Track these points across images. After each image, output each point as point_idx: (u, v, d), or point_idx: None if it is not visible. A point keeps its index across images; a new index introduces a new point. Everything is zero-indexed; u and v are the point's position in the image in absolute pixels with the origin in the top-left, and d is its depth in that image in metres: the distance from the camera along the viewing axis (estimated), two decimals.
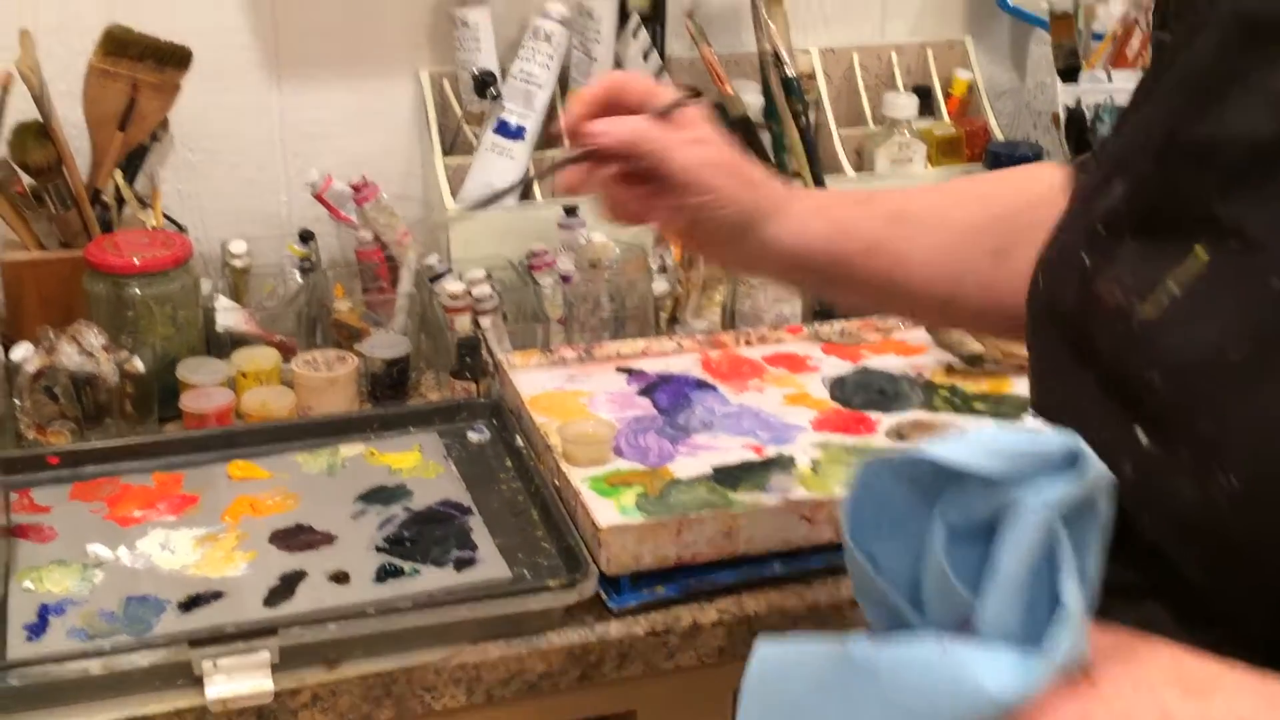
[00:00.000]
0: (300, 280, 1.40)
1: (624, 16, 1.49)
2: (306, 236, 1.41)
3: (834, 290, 0.93)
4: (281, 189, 1.48)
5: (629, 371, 1.28)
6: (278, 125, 1.46)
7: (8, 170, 1.29)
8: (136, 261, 1.24)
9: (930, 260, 0.86)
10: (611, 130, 0.82)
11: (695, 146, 0.83)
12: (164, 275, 1.25)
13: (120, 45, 1.28)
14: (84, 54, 1.29)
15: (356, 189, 1.40)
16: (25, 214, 1.32)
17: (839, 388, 1.25)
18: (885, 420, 1.20)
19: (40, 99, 1.27)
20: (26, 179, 1.31)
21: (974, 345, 1.28)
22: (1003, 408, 1.23)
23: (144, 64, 1.30)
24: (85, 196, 1.32)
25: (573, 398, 1.23)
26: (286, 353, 1.31)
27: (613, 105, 0.85)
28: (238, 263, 1.39)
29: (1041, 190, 0.85)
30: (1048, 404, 0.69)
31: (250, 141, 1.47)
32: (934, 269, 0.86)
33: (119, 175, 1.34)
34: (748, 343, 1.33)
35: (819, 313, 1.42)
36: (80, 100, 1.31)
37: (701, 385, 1.25)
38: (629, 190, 0.85)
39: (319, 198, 1.41)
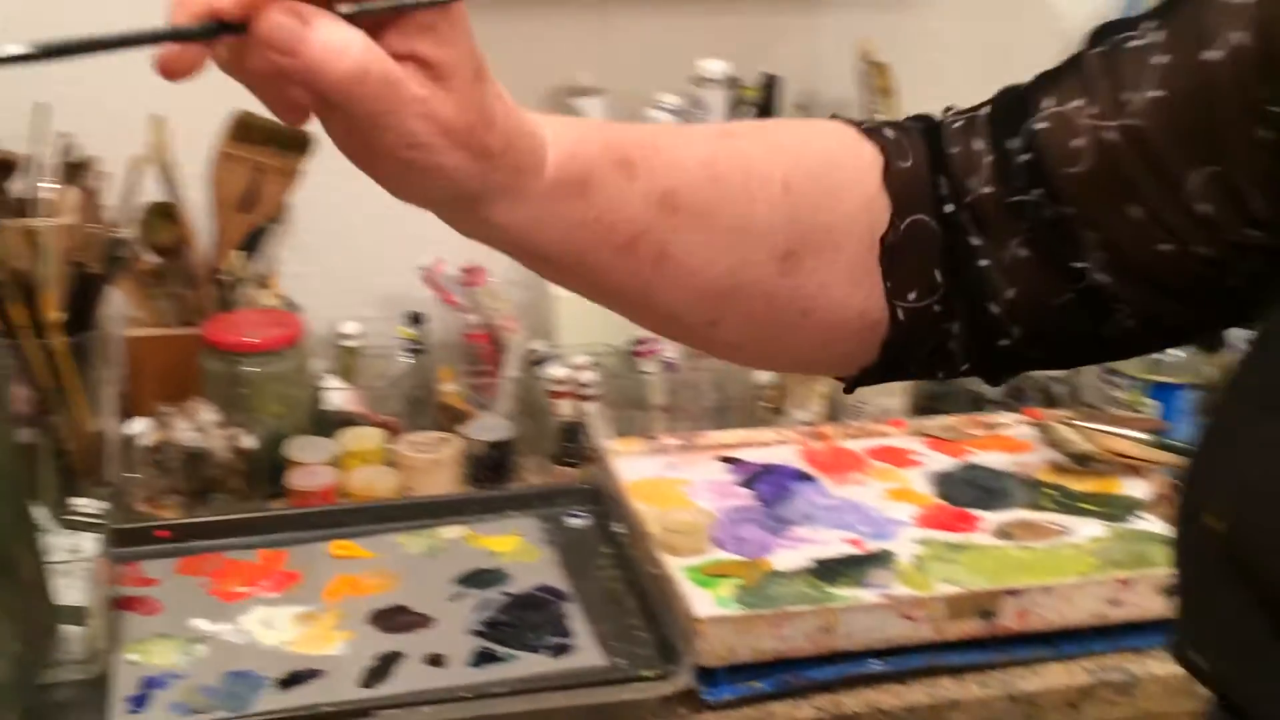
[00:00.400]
0: (408, 362, 1.42)
1: (735, 106, 1.51)
2: (416, 319, 1.43)
3: (573, 287, 0.65)
4: (394, 271, 1.51)
5: (730, 461, 1.27)
6: (392, 208, 1.48)
7: (135, 249, 1.33)
8: (251, 340, 1.27)
9: (701, 264, 0.63)
10: (326, 53, 0.48)
11: (433, 104, 0.52)
12: (277, 354, 1.28)
13: (246, 131, 1.33)
14: (212, 139, 1.34)
15: (466, 273, 1.42)
16: (149, 291, 1.36)
17: (943, 483, 1.24)
18: (990, 518, 1.18)
19: (169, 182, 1.32)
20: (152, 257, 1.35)
21: (1082, 444, 1.25)
22: (1110, 508, 1.20)
23: (268, 149, 1.34)
24: (206, 276, 1.36)
25: (673, 486, 1.23)
26: (392, 433, 1.33)
27: None
28: (349, 343, 1.42)
29: (841, 168, 0.66)
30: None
31: (365, 225, 1.50)
32: (704, 275, 0.63)
33: (239, 255, 1.38)
34: (850, 435, 1.32)
35: (923, 407, 1.41)
36: (206, 183, 1.35)
37: (802, 477, 1.24)
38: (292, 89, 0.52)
39: (430, 281, 1.44)
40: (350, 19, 0.49)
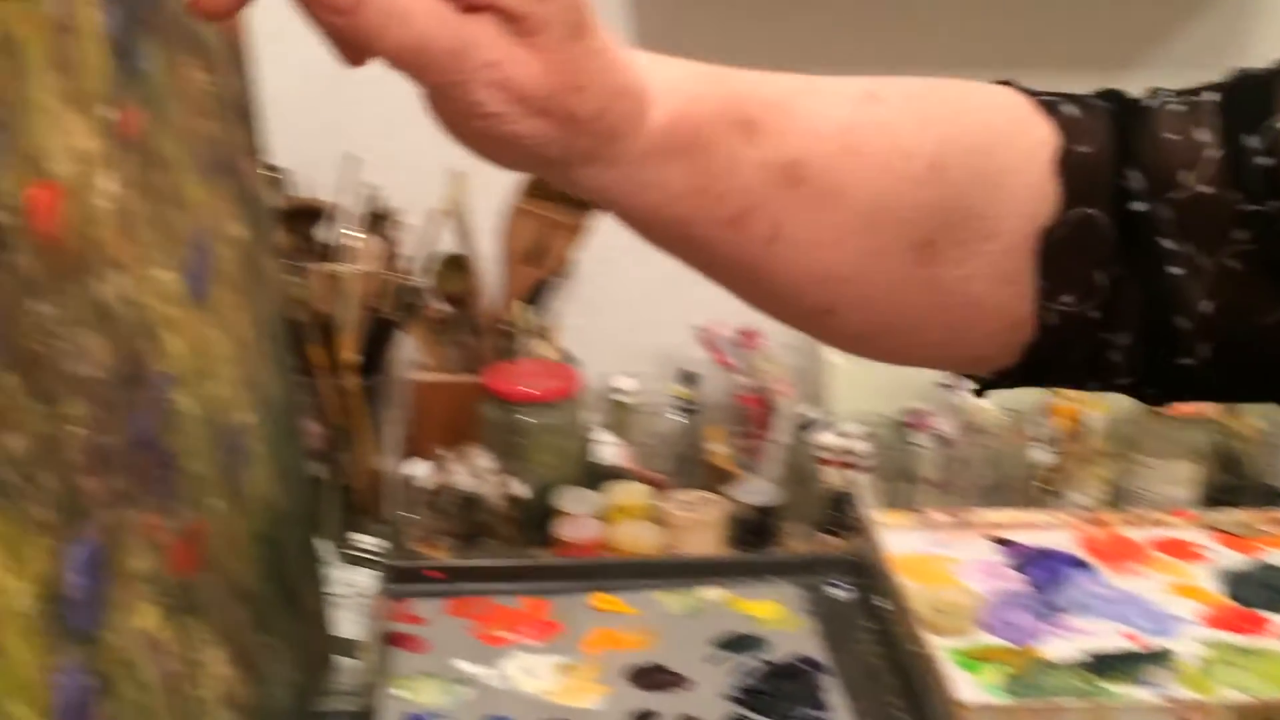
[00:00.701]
0: (679, 420, 1.44)
1: None
2: (689, 378, 1.45)
3: (674, 255, 0.57)
4: (670, 330, 1.53)
5: (1002, 542, 1.23)
6: (673, 269, 1.51)
7: (427, 297, 1.39)
8: (529, 391, 1.30)
9: (822, 246, 0.55)
10: (384, 19, 0.43)
11: (508, 69, 0.46)
12: (553, 406, 1.31)
13: (539, 187, 1.37)
14: (506, 194, 1.39)
15: (742, 335, 1.43)
16: (436, 338, 1.41)
17: (1233, 582, 1.17)
18: None
19: (463, 234, 1.38)
20: (442, 306, 1.41)
21: None
22: None
23: (558, 206, 1.38)
24: (491, 326, 1.41)
25: (941, 563, 1.19)
26: (659, 490, 1.34)
27: None
28: (622, 398, 1.44)
29: (1005, 147, 0.57)
30: None
31: (646, 283, 1.52)
32: (824, 259, 0.55)
33: (523, 307, 1.42)
34: (1132, 523, 1.26)
35: (1213, 499, 1.33)
36: (497, 236, 1.40)
37: (1078, 564, 1.19)
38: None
39: (705, 341, 1.45)
40: None
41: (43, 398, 0.55)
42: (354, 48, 0.45)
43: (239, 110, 0.85)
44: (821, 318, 0.57)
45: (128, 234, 0.65)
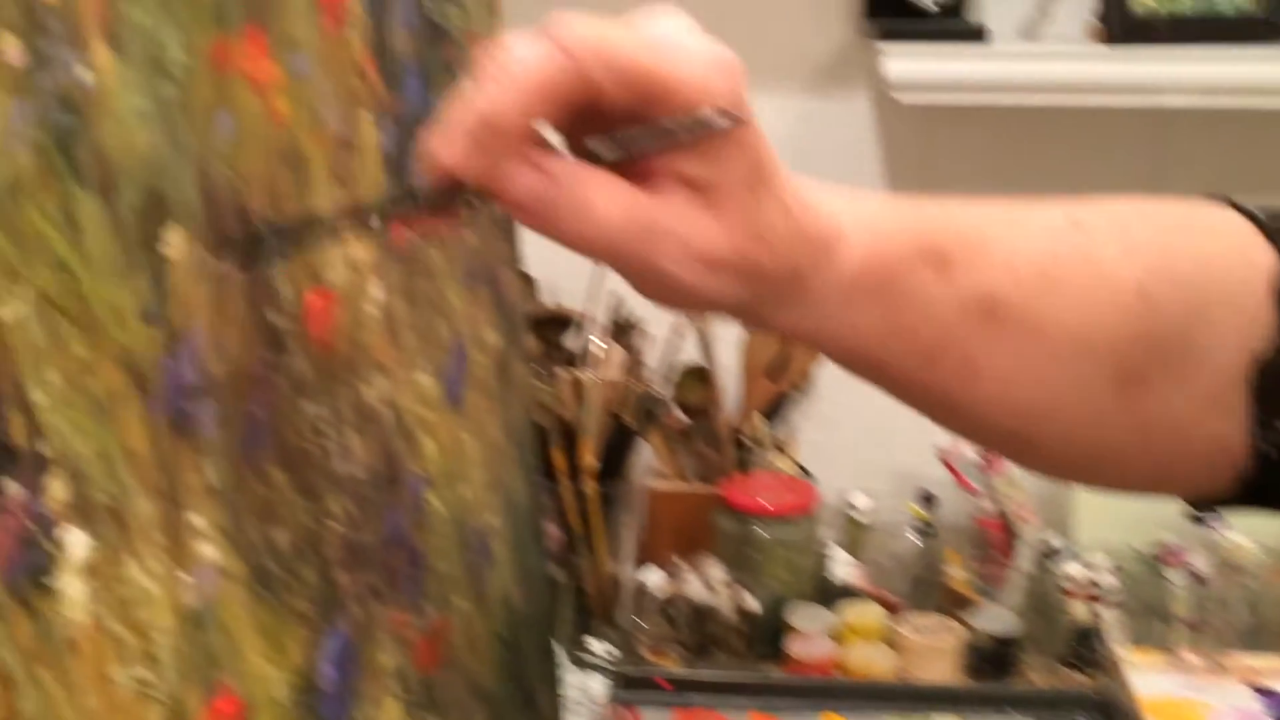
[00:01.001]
0: (916, 541, 1.41)
1: None
2: (928, 499, 1.42)
3: (872, 384, 0.56)
4: (910, 450, 1.51)
5: (1262, 691, 1.16)
6: None
7: (667, 407, 1.40)
8: (765, 504, 1.30)
9: (1019, 381, 0.53)
10: (574, 219, 0.44)
11: (695, 239, 0.46)
12: (788, 521, 1.30)
13: None
14: None
15: (984, 459, 1.40)
16: (675, 448, 1.43)
17: None
18: None
19: (705, 346, 1.39)
20: (681, 416, 1.42)
21: None
22: None
23: None
24: (729, 438, 1.41)
25: (1194, 708, 1.13)
26: (893, 611, 1.31)
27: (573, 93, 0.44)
28: (859, 516, 1.42)
29: (1220, 276, 0.54)
30: None
31: (886, 402, 1.51)
32: (1021, 393, 0.53)
33: (761, 420, 1.43)
34: None
35: None
36: (739, 349, 1.41)
37: None
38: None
39: (946, 462, 1.42)
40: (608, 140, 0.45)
41: (307, 494, 0.58)
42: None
43: (499, 222, 0.88)
44: (1022, 449, 0.57)
45: (393, 339, 0.68)
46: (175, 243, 0.50)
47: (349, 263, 0.64)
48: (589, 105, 0.44)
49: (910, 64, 1.35)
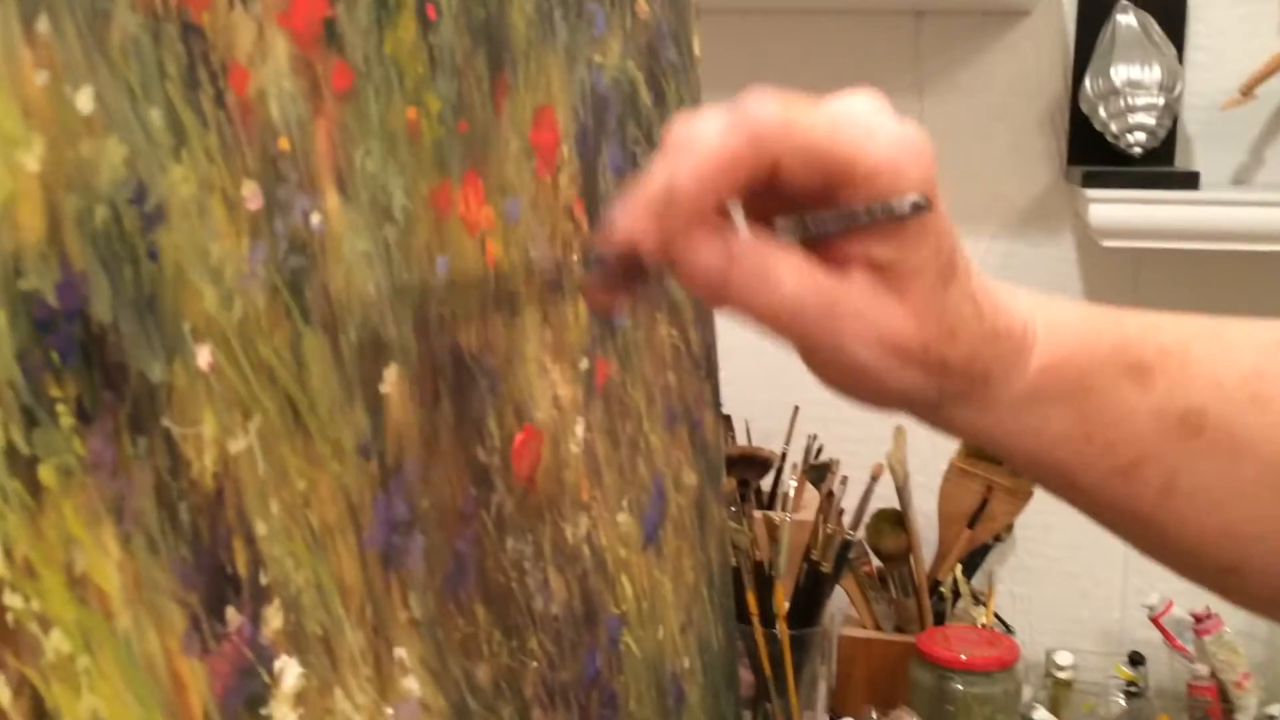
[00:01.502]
0: (1123, 704, 1.34)
1: None
2: (1136, 660, 1.36)
3: (1058, 497, 0.54)
4: (1116, 606, 1.45)
5: None
6: (1124, 543, 1.44)
7: (861, 552, 1.38)
8: (963, 657, 1.26)
9: (1224, 501, 0.50)
10: (752, 294, 0.43)
11: (880, 324, 0.45)
12: (987, 675, 1.26)
13: (982, 448, 1.35)
14: (946, 453, 1.37)
15: (1198, 619, 1.33)
16: (869, 594, 1.39)
17: None
18: None
19: (902, 490, 1.37)
20: (876, 562, 1.39)
21: None
22: None
23: (1002, 468, 1.35)
24: (925, 586, 1.38)
25: None
26: None
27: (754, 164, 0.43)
28: (1061, 674, 1.37)
29: None
30: None
31: (1092, 555, 1.46)
32: (1226, 514, 0.50)
33: (959, 570, 1.39)
34: None
35: None
36: (936, 494, 1.38)
37: None
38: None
39: (1155, 622, 1.36)
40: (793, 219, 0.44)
41: (508, 631, 0.58)
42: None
43: (701, 363, 0.89)
44: (1224, 577, 0.53)
45: (595, 478, 0.69)
46: (392, 380, 0.51)
47: (555, 401, 0.64)
48: (774, 182, 0.43)
49: (1115, 209, 1.33)
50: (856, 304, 0.44)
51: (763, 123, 0.42)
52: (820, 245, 0.44)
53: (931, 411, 0.49)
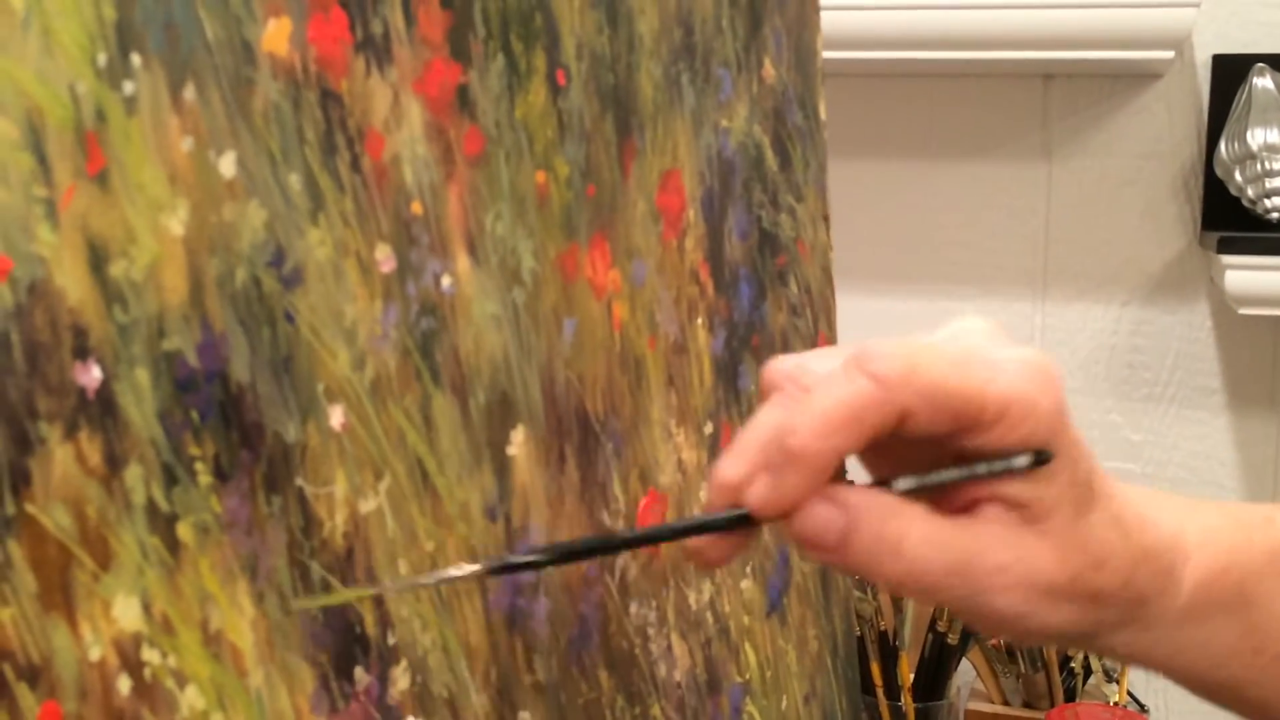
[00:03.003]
0: None
1: None
2: None
3: (1230, 711, 0.51)
4: None
5: None
6: None
7: None
8: None
9: None
10: (873, 556, 0.40)
11: (1021, 568, 0.42)
12: None
13: None
14: None
15: None
16: (996, 668, 1.36)
17: None
18: None
19: None
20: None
21: None
22: None
23: None
24: (1055, 661, 1.34)
25: None
26: None
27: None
28: None
29: None
30: None
31: None
32: None
33: None
34: None
35: None
36: None
37: None
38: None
39: None
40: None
41: (631, 697, 0.58)
42: None
43: None
44: None
45: None
46: (519, 442, 0.52)
47: (679, 465, 0.64)
48: (894, 430, 0.40)
49: (1252, 276, 1.29)
50: (993, 555, 0.41)
51: (887, 369, 0.39)
52: (945, 489, 0.42)
53: (1088, 641, 0.47)
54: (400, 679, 0.44)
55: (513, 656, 0.50)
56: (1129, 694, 1.36)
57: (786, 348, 0.79)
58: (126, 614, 0.35)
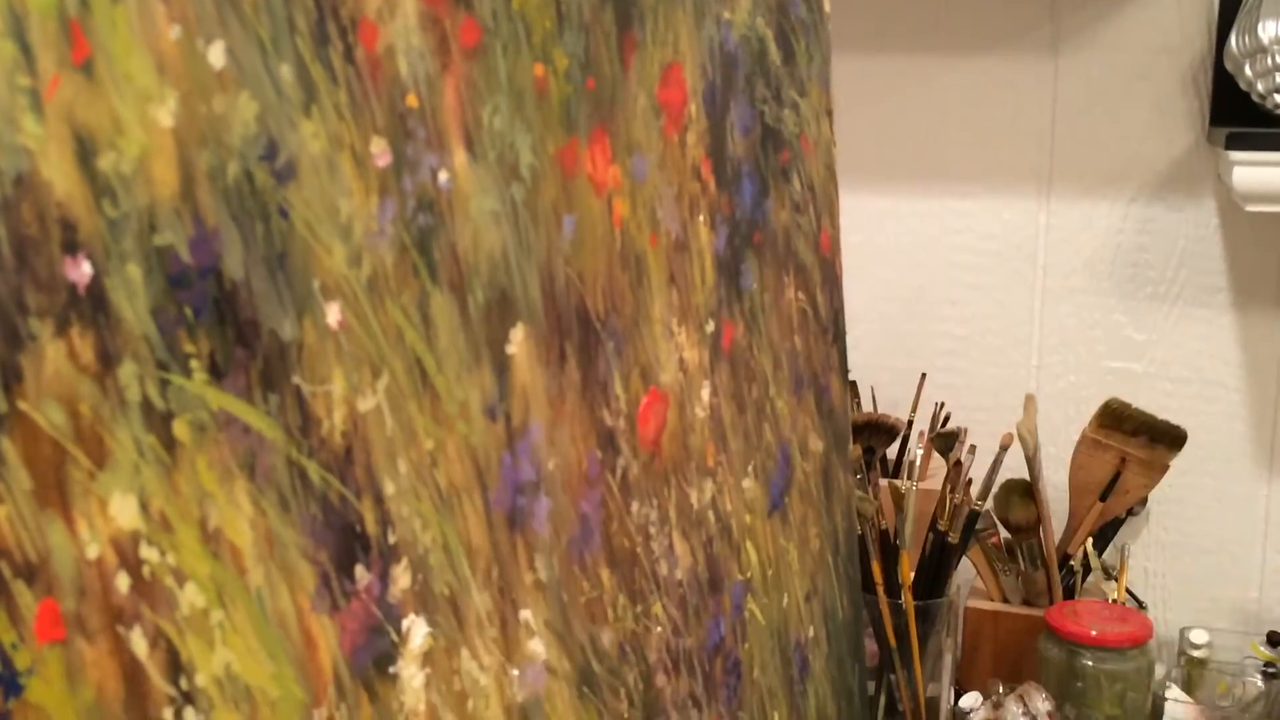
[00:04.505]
0: (1260, 685, 1.30)
1: None
2: (1275, 640, 1.31)
3: None
4: (1255, 585, 1.40)
5: None
6: (1262, 518, 1.39)
7: (989, 523, 1.35)
8: (1094, 633, 1.23)
9: None
10: None
11: None
12: (1120, 652, 1.22)
13: (1116, 419, 1.31)
14: (1079, 422, 1.34)
15: None
16: (996, 566, 1.37)
17: None
18: None
19: (1032, 460, 1.33)
20: (1004, 533, 1.36)
21: None
22: None
23: (1136, 439, 1.31)
24: (1054, 559, 1.34)
25: None
26: None
27: None
28: (1196, 653, 1.33)
29: None
30: None
31: (1230, 531, 1.41)
32: None
33: (1089, 543, 1.35)
34: None
35: None
36: (1067, 465, 1.35)
37: None
38: None
39: None
40: None
41: (633, 595, 0.58)
42: None
43: (828, 328, 0.87)
44: None
45: (720, 443, 0.68)
46: (519, 340, 0.51)
47: (681, 364, 0.64)
48: None
49: (1260, 173, 1.27)
50: None
51: None
52: None
53: None
54: (401, 577, 0.43)
55: (514, 555, 0.50)
56: (1127, 591, 1.37)
57: (789, 245, 0.78)
58: (124, 512, 0.34)
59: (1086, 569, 1.36)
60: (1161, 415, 1.31)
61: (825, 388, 0.85)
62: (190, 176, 0.36)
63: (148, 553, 0.35)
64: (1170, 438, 1.30)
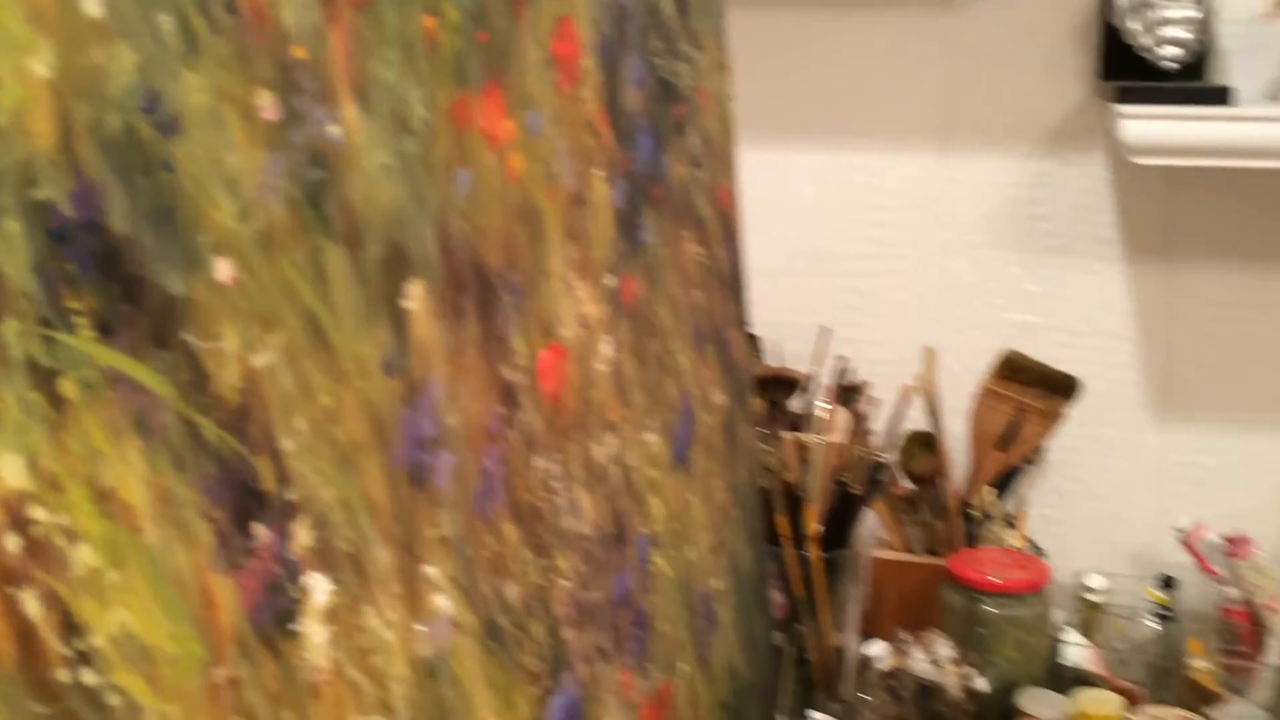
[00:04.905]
0: (1155, 627, 1.33)
1: None
2: (1168, 583, 1.35)
3: None
4: (1148, 530, 1.43)
5: None
6: (1154, 465, 1.43)
7: (892, 474, 1.37)
8: (995, 580, 1.25)
9: None
10: None
11: None
12: (1018, 598, 1.25)
13: (1014, 370, 1.34)
14: (978, 375, 1.36)
15: (1230, 542, 1.32)
16: (900, 517, 1.39)
17: None
18: None
19: (933, 413, 1.36)
20: (907, 484, 1.39)
21: None
22: None
23: (1033, 390, 1.34)
24: (956, 509, 1.37)
25: None
26: (1131, 701, 1.24)
27: None
28: (1093, 598, 1.36)
29: None
30: None
31: (1123, 478, 1.44)
32: None
33: (990, 493, 1.38)
34: None
35: None
36: (967, 417, 1.37)
37: None
38: None
39: (1187, 545, 1.35)
40: None
41: (537, 549, 0.58)
42: None
43: (728, 282, 0.87)
44: None
45: (622, 398, 0.68)
46: (415, 295, 0.51)
47: (581, 319, 0.64)
48: None
49: (1149, 126, 1.30)
50: None
51: None
52: None
53: None
54: (301, 534, 0.43)
55: (416, 511, 0.50)
56: (1027, 539, 1.40)
57: (687, 199, 0.78)
58: (11, 472, 0.34)
59: (987, 518, 1.38)
60: (1058, 366, 1.34)
61: (727, 341, 0.86)
62: (69, 129, 0.35)
63: (37, 512, 0.34)
64: (1066, 388, 1.33)
